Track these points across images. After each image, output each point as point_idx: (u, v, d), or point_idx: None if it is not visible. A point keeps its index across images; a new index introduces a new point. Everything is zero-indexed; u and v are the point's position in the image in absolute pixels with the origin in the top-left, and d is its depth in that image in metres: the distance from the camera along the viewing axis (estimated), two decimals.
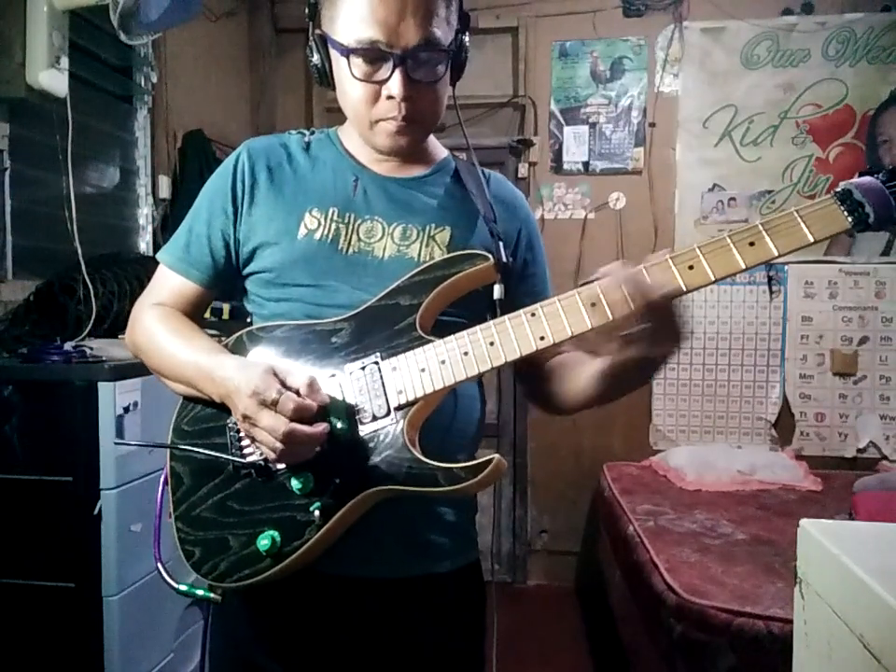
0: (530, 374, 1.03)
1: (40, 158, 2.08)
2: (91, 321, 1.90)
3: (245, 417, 0.82)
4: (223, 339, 0.96)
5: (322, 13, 0.92)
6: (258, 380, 0.81)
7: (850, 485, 2.62)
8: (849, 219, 0.75)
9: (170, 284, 1.00)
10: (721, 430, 3.27)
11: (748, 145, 3.19)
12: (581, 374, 0.93)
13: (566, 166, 3.30)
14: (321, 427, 0.82)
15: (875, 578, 0.56)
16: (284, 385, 0.82)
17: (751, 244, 0.76)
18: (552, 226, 3.30)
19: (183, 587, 0.90)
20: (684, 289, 0.77)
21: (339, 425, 0.84)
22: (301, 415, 0.80)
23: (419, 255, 0.94)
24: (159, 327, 0.96)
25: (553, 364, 1.01)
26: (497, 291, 0.89)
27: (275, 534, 0.84)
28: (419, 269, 0.90)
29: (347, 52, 0.88)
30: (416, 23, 0.85)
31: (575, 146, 3.30)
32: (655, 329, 0.77)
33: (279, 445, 0.80)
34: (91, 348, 1.77)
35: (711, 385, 3.27)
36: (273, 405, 0.80)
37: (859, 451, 3.17)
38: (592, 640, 2.84)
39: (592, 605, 3.09)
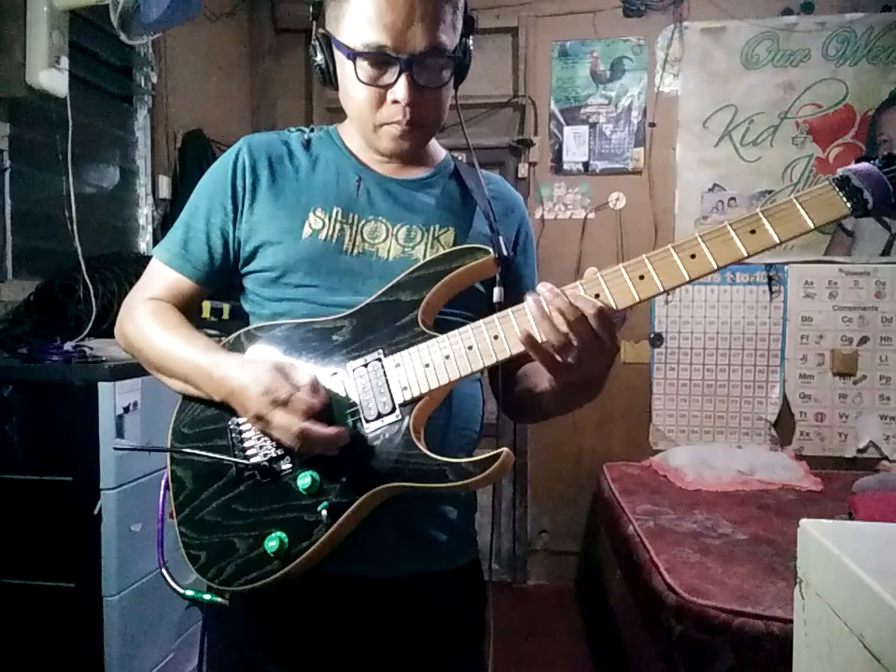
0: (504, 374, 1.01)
1: (40, 158, 2.08)
2: (91, 321, 1.90)
3: (258, 417, 0.82)
4: (223, 338, 0.95)
5: (327, 13, 0.92)
6: (267, 378, 0.81)
7: (850, 485, 2.62)
8: (848, 205, 0.75)
9: (164, 280, 0.99)
10: (721, 430, 3.27)
11: (748, 145, 3.19)
12: (542, 387, 0.93)
13: (566, 166, 3.30)
14: (337, 429, 0.82)
15: (875, 578, 0.56)
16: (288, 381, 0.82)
17: (752, 231, 0.77)
18: (552, 226, 3.30)
19: (190, 592, 0.89)
20: (687, 278, 0.77)
21: (345, 423, 0.84)
22: (311, 414, 0.81)
23: (424, 256, 0.94)
24: (152, 322, 0.95)
25: (524, 370, 1.01)
26: (497, 294, 0.89)
27: (283, 535, 0.83)
28: (419, 265, 0.90)
29: (353, 56, 0.87)
30: (424, 29, 0.85)
31: (575, 146, 3.30)
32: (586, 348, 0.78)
33: (296, 443, 0.81)
34: (91, 348, 1.77)
35: (711, 385, 3.27)
36: (283, 404, 0.80)
37: (859, 451, 3.17)
38: (592, 640, 2.84)
39: (592, 605, 3.09)
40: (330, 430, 0.82)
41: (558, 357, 0.79)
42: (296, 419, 0.80)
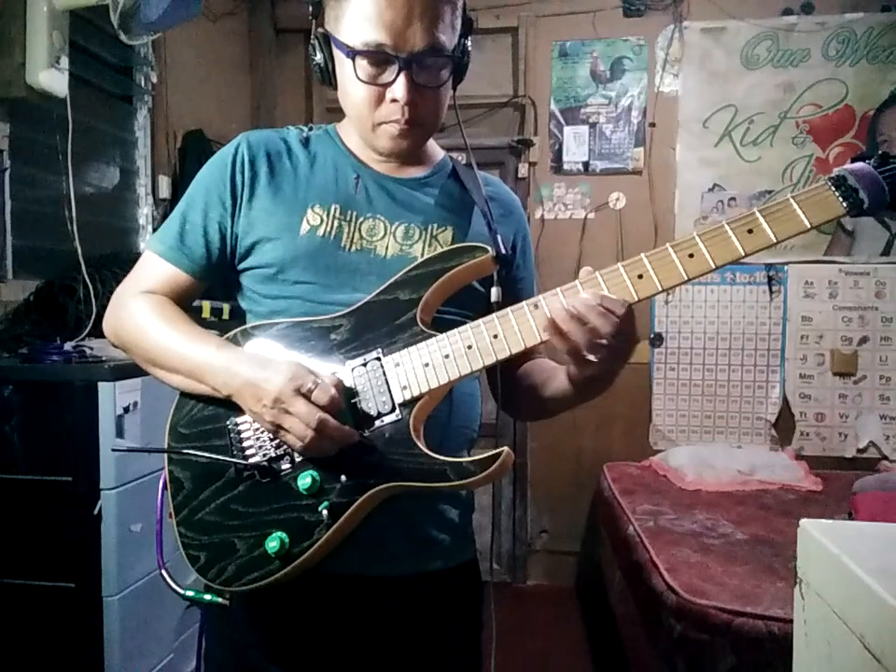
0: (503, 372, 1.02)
1: (40, 158, 2.08)
2: (91, 321, 1.90)
3: (277, 401, 0.81)
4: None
5: (326, 12, 0.92)
6: (293, 368, 0.82)
7: (850, 485, 2.61)
8: (844, 205, 0.76)
9: (159, 273, 0.97)
10: (721, 430, 3.27)
11: (748, 145, 3.19)
12: (550, 384, 0.95)
13: (566, 166, 3.30)
14: (352, 430, 0.82)
15: (875, 578, 0.56)
16: None
17: (750, 231, 0.77)
18: (552, 226, 3.30)
19: (190, 593, 0.89)
20: (685, 278, 0.77)
21: (346, 422, 0.84)
22: (331, 409, 0.80)
23: (422, 255, 0.94)
24: (151, 316, 0.93)
25: (525, 368, 1.02)
26: (495, 294, 0.89)
27: (283, 535, 0.83)
28: (417, 263, 0.90)
29: (352, 54, 0.88)
30: (423, 28, 0.85)
31: (575, 146, 3.30)
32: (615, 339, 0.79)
33: (310, 433, 0.80)
34: (91, 348, 1.77)
35: (711, 385, 3.26)
36: (307, 394, 0.80)
37: (859, 451, 3.17)
38: (592, 640, 2.84)
39: (592, 605, 3.09)
40: (347, 427, 0.82)
41: (587, 356, 0.80)
42: (316, 409, 0.80)
